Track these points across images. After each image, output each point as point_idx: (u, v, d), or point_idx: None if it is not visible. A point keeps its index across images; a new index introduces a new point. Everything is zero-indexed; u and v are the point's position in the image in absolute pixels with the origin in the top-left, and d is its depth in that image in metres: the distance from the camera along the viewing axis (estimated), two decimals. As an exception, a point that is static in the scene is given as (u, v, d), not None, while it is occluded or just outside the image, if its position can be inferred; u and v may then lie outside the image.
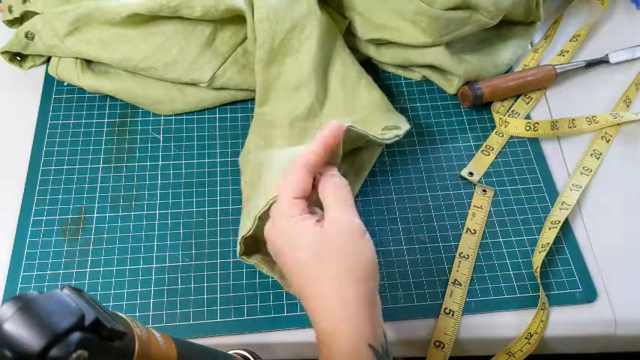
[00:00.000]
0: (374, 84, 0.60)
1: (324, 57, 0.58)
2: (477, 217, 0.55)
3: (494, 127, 0.61)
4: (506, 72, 0.65)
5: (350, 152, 0.55)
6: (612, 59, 0.66)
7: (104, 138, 0.59)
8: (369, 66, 0.64)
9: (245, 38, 0.60)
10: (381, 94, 0.59)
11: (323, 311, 0.38)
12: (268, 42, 0.56)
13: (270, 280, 0.51)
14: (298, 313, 0.50)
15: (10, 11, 0.61)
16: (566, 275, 0.52)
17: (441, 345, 0.49)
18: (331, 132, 0.42)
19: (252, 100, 0.61)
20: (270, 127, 0.56)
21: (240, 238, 0.48)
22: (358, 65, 0.61)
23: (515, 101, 0.64)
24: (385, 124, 0.55)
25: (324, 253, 0.38)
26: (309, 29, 0.57)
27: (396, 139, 0.54)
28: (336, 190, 0.40)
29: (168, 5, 0.55)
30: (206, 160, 0.58)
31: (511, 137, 0.61)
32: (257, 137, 0.57)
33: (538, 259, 0.52)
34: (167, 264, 0.52)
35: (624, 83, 0.65)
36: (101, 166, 0.57)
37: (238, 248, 0.48)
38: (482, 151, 0.59)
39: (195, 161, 0.58)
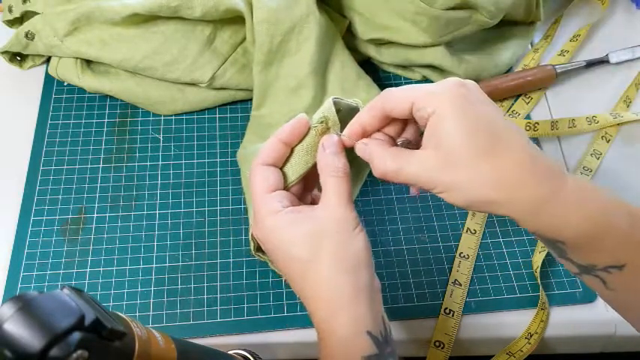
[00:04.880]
0: (373, 84, 0.60)
1: (322, 58, 0.58)
2: (477, 217, 0.55)
3: (494, 127, 0.61)
4: (506, 72, 0.65)
5: (348, 153, 0.55)
6: (612, 59, 0.66)
7: (104, 138, 0.59)
8: (369, 66, 0.64)
9: (245, 38, 0.60)
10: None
11: (320, 300, 0.38)
12: (267, 44, 0.56)
13: (270, 280, 0.51)
14: (298, 313, 0.50)
15: (10, 11, 0.61)
16: (566, 275, 0.52)
17: (441, 345, 0.49)
18: (291, 123, 0.41)
19: (252, 99, 0.61)
20: (268, 129, 0.56)
21: (250, 234, 0.46)
22: (357, 66, 0.61)
23: (515, 101, 0.64)
24: None
25: (316, 244, 0.38)
26: (308, 31, 0.57)
27: None
28: (332, 179, 0.39)
29: (169, 6, 0.55)
30: (206, 160, 0.58)
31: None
32: (255, 137, 0.57)
33: (538, 259, 0.52)
34: (167, 264, 0.52)
35: (624, 83, 0.65)
36: (101, 166, 0.57)
37: (251, 245, 0.47)
38: (482, 151, 0.59)
39: (195, 161, 0.58)
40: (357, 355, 0.36)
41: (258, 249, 0.47)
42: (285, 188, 0.41)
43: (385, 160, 0.38)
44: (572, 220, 0.34)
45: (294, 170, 0.41)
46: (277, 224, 0.39)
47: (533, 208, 0.34)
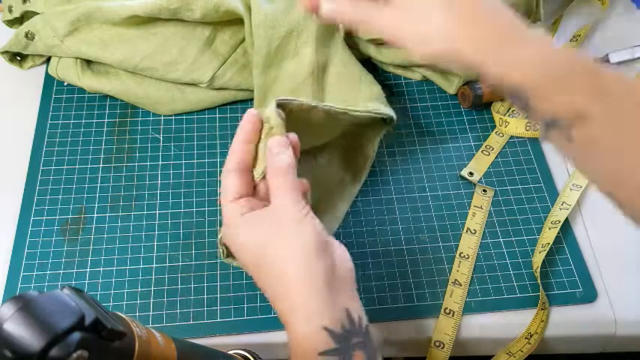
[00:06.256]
0: (375, 81, 0.60)
1: (321, 61, 0.58)
2: (476, 217, 0.55)
3: (494, 127, 0.61)
4: (507, 72, 0.65)
5: (345, 156, 0.54)
6: (612, 59, 0.66)
7: (104, 138, 0.59)
8: (369, 66, 0.64)
9: (245, 38, 0.60)
10: (381, 91, 0.59)
11: (276, 297, 0.38)
12: (265, 47, 0.56)
13: (270, 280, 0.51)
14: (298, 313, 0.50)
15: (10, 11, 0.61)
16: (566, 275, 0.52)
17: (441, 345, 0.49)
18: (245, 121, 0.42)
19: (253, 99, 0.61)
20: None
21: (218, 240, 0.46)
22: (359, 64, 0.61)
23: (515, 101, 0.64)
24: (377, 110, 0.54)
25: (266, 242, 0.38)
26: (306, 34, 0.57)
27: (383, 115, 0.52)
28: (275, 178, 0.40)
29: (168, 8, 0.55)
30: (206, 160, 0.58)
31: (511, 137, 0.61)
32: None
33: (538, 259, 0.52)
34: (167, 264, 0.52)
35: (624, 83, 0.65)
36: (101, 166, 0.57)
37: (219, 250, 0.45)
38: (482, 151, 0.59)
39: (195, 161, 0.58)
40: (312, 350, 0.35)
41: (229, 254, 0.46)
42: (255, 186, 0.42)
43: (357, 11, 0.40)
44: (533, 58, 0.35)
45: (257, 166, 0.42)
46: (234, 230, 0.40)
47: (483, 53, 0.36)
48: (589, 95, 0.34)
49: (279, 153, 0.40)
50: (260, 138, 0.42)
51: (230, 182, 0.41)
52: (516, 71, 0.35)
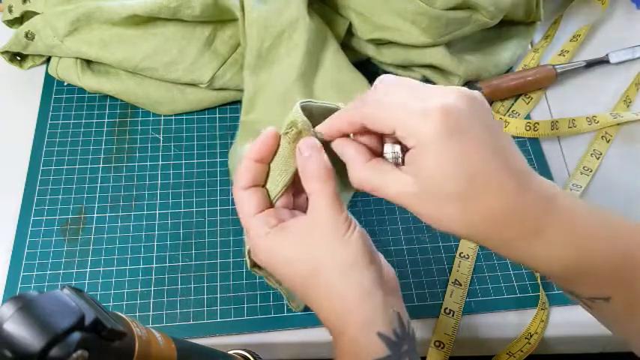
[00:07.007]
0: (369, 85, 0.60)
1: (312, 63, 0.58)
2: (477, 217, 0.55)
3: (494, 127, 0.61)
4: (506, 72, 0.65)
5: (342, 161, 0.54)
6: (612, 59, 0.66)
7: (104, 138, 0.59)
8: (369, 66, 0.64)
9: (244, 38, 0.60)
10: None
11: (327, 309, 0.37)
12: (257, 47, 0.56)
13: (270, 280, 0.51)
14: (298, 313, 0.50)
15: (10, 11, 0.61)
16: (566, 275, 0.52)
17: (441, 345, 0.49)
18: (261, 138, 0.40)
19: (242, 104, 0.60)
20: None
21: (246, 250, 0.44)
22: (352, 67, 0.60)
23: (515, 101, 0.64)
24: None
25: (310, 257, 0.37)
26: (297, 36, 0.56)
27: None
28: (315, 183, 0.37)
29: (168, 7, 0.55)
30: (206, 160, 0.58)
31: (511, 137, 0.61)
32: (245, 143, 0.56)
33: (538, 259, 0.52)
34: (167, 264, 0.52)
35: (624, 83, 0.65)
36: (101, 166, 0.57)
37: (248, 261, 0.45)
38: (482, 151, 0.59)
39: (195, 161, 0.58)
40: (366, 358, 0.35)
41: (254, 265, 0.45)
42: (272, 204, 0.40)
43: (362, 173, 0.36)
44: (549, 260, 0.34)
45: (276, 184, 0.40)
46: (268, 246, 0.38)
47: (503, 247, 0.34)
48: (610, 285, 0.34)
49: (311, 156, 0.38)
50: (274, 157, 0.40)
51: (248, 197, 0.39)
52: (527, 265, 0.35)
